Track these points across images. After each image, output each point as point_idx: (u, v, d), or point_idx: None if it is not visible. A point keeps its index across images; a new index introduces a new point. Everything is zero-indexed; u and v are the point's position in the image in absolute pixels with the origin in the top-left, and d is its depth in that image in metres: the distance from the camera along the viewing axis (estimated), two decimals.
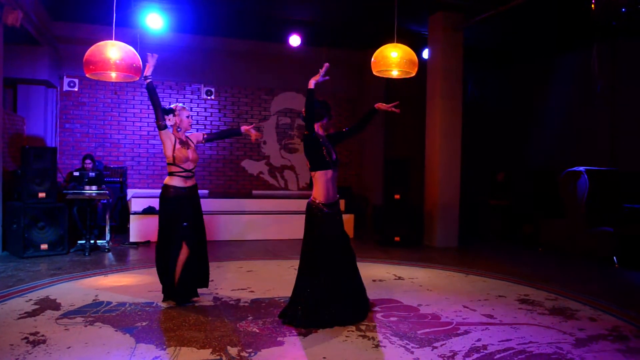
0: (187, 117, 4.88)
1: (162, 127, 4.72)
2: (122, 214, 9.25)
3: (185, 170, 4.77)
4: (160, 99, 10.31)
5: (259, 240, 8.85)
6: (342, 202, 8.94)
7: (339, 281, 4.35)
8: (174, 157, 4.72)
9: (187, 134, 4.92)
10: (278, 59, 10.85)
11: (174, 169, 4.75)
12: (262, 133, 5.24)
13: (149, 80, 4.65)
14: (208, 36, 10.29)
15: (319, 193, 4.35)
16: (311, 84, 4.30)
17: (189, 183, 4.83)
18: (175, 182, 4.74)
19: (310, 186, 11.13)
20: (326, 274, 4.26)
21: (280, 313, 4.40)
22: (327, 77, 4.33)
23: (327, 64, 4.28)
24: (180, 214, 4.72)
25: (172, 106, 4.82)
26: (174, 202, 4.72)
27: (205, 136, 5.07)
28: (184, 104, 5.17)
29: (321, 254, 4.28)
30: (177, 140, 4.78)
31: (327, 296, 4.25)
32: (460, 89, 8.80)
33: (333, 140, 4.55)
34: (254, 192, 10.86)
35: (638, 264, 7.11)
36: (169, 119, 4.76)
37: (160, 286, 4.94)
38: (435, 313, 4.66)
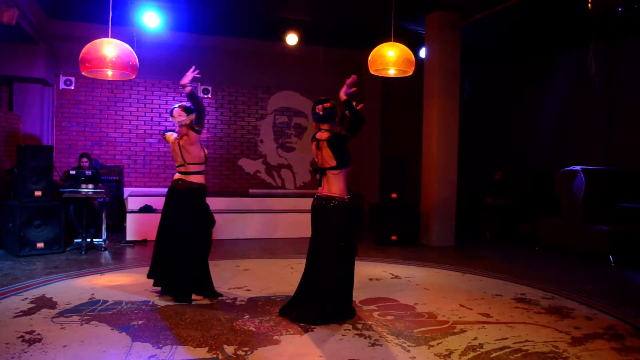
0: None
1: (201, 132, 4.92)
2: (118, 212, 9.23)
3: None
4: (157, 98, 10.28)
5: (255, 239, 8.84)
6: None
7: (353, 275, 4.54)
8: (206, 157, 5.04)
9: None
10: (275, 58, 10.85)
11: (205, 167, 5.04)
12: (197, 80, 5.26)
13: (188, 88, 4.71)
14: (205, 35, 10.27)
15: (343, 190, 4.39)
16: (342, 96, 4.24)
17: None
18: (205, 180, 5.05)
19: (313, 184, 11.13)
20: (349, 269, 4.42)
21: (296, 316, 4.30)
22: (354, 89, 4.28)
23: (354, 76, 4.26)
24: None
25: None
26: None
27: None
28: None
29: (350, 249, 4.41)
30: None
31: (349, 290, 4.47)
32: (457, 88, 8.80)
33: None
34: (251, 190, 10.85)
35: (634, 262, 7.14)
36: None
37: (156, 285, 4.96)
38: (432, 312, 4.67)
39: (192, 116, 4.87)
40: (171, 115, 4.96)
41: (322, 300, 4.27)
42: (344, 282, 4.39)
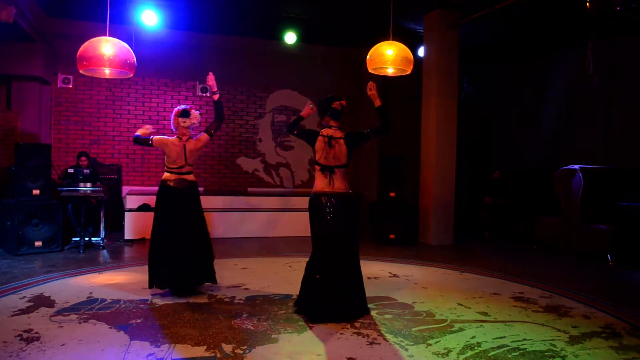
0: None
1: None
2: (116, 211, 9.21)
3: None
4: (155, 97, 10.34)
5: (254, 238, 8.84)
6: None
7: None
8: None
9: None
10: (273, 57, 10.84)
11: None
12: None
13: (217, 95, 5.02)
14: (203, 33, 10.25)
15: (348, 185, 4.50)
16: (378, 102, 4.46)
17: None
18: None
19: (311, 183, 11.13)
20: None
21: (334, 313, 4.30)
22: (372, 91, 4.45)
23: (372, 83, 4.42)
24: None
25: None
26: None
27: None
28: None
29: (356, 242, 4.60)
30: None
31: None
32: (456, 86, 8.81)
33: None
34: (249, 189, 10.85)
35: (632, 261, 7.14)
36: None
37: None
38: (430, 310, 4.67)
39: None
40: (186, 115, 4.96)
41: (360, 295, 4.48)
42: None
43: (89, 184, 7.35)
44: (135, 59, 4.83)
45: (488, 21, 8.57)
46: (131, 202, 8.58)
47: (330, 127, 4.47)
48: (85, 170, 7.43)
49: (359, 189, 11.43)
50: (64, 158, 9.71)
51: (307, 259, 4.52)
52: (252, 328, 4.03)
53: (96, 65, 4.56)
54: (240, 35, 10.47)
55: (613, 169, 8.27)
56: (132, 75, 4.94)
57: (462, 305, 4.88)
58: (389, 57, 5.43)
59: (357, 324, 4.20)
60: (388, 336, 3.93)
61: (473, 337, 3.95)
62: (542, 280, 6.05)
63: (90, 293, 4.96)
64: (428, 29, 8.90)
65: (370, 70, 5.73)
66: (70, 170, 7.48)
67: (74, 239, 7.47)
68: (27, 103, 9.21)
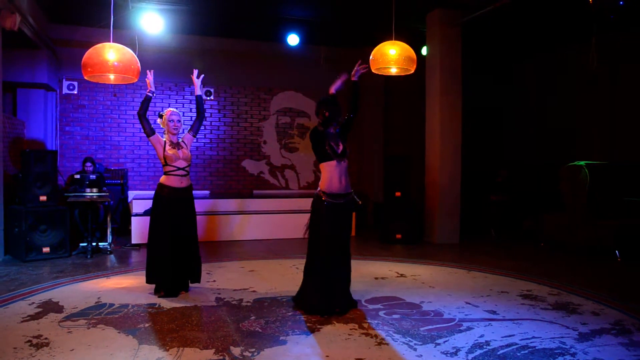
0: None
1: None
2: (123, 215, 9.25)
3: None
4: (160, 101, 10.42)
5: (260, 240, 8.85)
6: None
7: None
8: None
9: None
10: (276, 59, 10.85)
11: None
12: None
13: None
14: (206, 37, 10.28)
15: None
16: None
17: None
18: None
19: (316, 184, 11.13)
20: None
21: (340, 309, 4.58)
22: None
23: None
24: None
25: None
26: None
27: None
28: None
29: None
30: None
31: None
32: (459, 85, 8.79)
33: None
34: (255, 192, 10.85)
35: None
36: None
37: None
38: (438, 310, 4.66)
39: None
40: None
41: (348, 290, 4.72)
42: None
43: (95, 190, 7.38)
44: (139, 64, 4.86)
45: (490, 19, 8.54)
46: (137, 206, 8.60)
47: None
48: (91, 176, 7.46)
49: (364, 189, 11.42)
50: (69, 164, 9.75)
51: None
52: (260, 330, 4.04)
53: (101, 71, 4.59)
54: (243, 38, 10.50)
55: (618, 165, 8.23)
56: (136, 80, 4.97)
57: (470, 304, 4.87)
58: (392, 56, 5.45)
59: (365, 325, 4.20)
60: (396, 336, 3.93)
61: (482, 336, 3.94)
62: (550, 277, 6.03)
63: (99, 298, 4.98)
64: (430, 27, 8.89)
65: (373, 70, 5.73)
66: (77, 176, 7.51)
67: (81, 244, 7.50)
68: (32, 110, 9.25)
